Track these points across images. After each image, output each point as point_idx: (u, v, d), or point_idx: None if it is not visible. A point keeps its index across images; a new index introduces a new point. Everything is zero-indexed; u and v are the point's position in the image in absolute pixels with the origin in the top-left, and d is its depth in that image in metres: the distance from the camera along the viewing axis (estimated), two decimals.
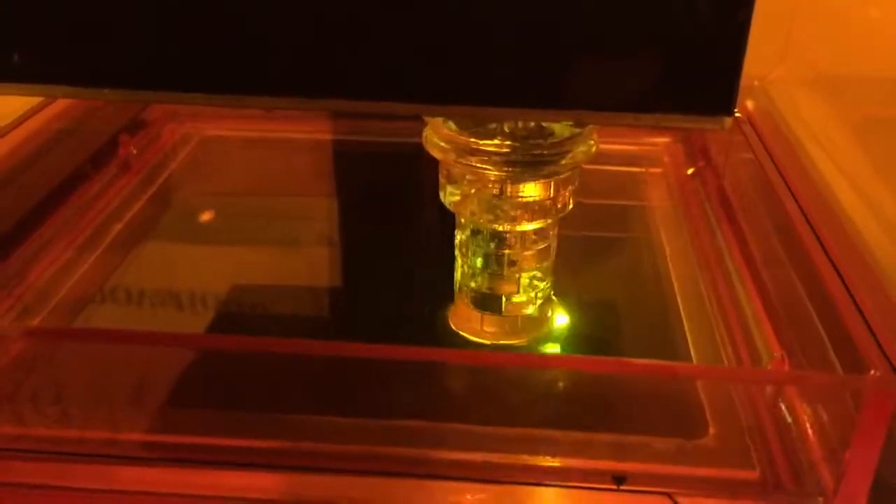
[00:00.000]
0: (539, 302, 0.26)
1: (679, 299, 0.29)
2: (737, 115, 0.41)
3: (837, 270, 0.28)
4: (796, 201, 0.36)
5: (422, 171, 0.33)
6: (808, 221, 0.35)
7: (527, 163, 0.22)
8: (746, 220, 0.35)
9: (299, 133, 0.40)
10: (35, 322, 0.27)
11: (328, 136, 0.40)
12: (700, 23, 0.18)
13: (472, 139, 0.22)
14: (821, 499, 0.20)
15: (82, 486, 0.21)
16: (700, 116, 0.19)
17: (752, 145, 0.39)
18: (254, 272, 0.31)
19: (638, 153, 0.41)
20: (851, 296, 0.23)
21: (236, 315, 0.28)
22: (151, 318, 0.27)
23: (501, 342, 0.25)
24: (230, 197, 0.37)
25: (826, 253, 0.29)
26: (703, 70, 0.18)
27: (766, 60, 0.51)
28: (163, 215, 0.35)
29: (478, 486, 0.21)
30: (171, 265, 0.32)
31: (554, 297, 0.27)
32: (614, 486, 0.20)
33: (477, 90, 0.19)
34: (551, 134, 0.22)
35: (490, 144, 0.22)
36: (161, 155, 0.38)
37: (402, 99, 0.19)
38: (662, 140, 0.42)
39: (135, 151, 0.37)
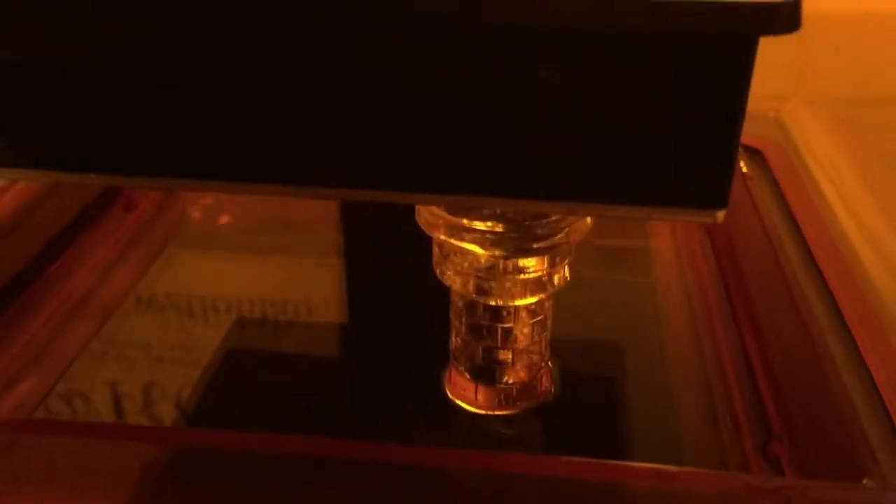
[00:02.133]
0: (534, 373, 0.25)
1: (678, 366, 0.29)
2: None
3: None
4: (806, 244, 0.36)
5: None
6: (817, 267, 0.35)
7: (520, 244, 0.22)
8: (749, 265, 0.34)
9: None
10: None
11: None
12: (692, 118, 0.18)
13: (464, 220, 0.22)
14: None
15: None
16: (693, 209, 0.19)
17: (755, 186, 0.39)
18: (251, 324, 0.31)
19: None
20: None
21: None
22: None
23: (496, 412, 0.25)
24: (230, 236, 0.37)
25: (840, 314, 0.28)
26: (695, 165, 0.18)
27: (780, 90, 0.50)
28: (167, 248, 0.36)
29: None
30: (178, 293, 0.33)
31: (550, 365, 0.26)
32: None
33: (465, 180, 0.19)
34: (545, 215, 0.22)
35: (481, 225, 0.21)
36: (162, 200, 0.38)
37: (388, 188, 0.19)
38: None
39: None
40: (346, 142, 0.19)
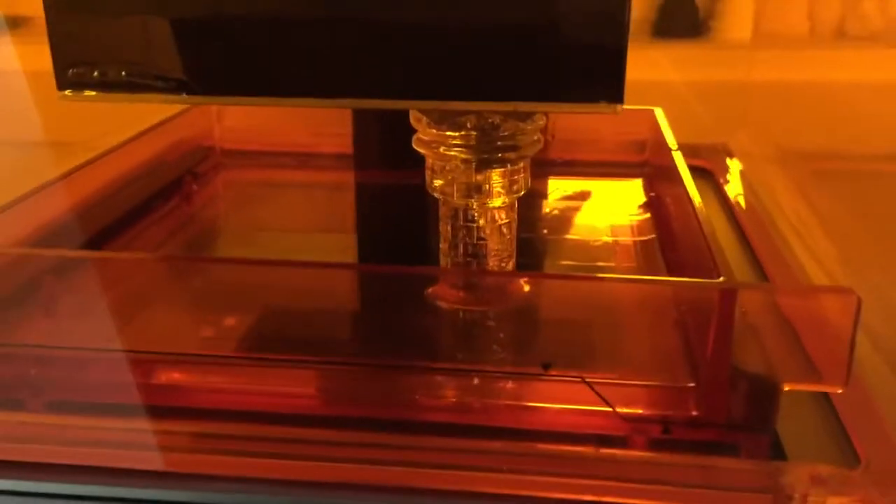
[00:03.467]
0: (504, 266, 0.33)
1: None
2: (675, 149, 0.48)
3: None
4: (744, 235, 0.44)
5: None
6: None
7: (488, 152, 0.30)
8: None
9: (327, 178, 0.50)
10: None
11: (350, 181, 0.49)
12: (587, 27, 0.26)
13: (448, 132, 0.30)
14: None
15: None
16: (597, 104, 0.27)
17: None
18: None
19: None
20: None
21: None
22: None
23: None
24: (263, 231, 0.46)
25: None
26: (597, 67, 0.27)
27: (728, 127, 0.60)
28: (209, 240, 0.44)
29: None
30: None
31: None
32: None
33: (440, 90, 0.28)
34: (505, 132, 0.30)
35: (457, 136, 0.30)
36: (215, 192, 0.47)
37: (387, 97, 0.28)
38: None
39: (196, 188, 0.46)
40: (358, 63, 0.28)
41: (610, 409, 0.26)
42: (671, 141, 0.43)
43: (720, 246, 0.29)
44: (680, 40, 0.72)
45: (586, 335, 0.29)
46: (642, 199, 0.47)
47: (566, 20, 0.26)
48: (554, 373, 0.27)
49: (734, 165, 0.55)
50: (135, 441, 0.26)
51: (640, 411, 0.26)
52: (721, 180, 0.53)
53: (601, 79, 0.27)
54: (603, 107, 0.27)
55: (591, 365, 0.27)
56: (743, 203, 0.49)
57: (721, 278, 0.27)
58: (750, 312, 0.26)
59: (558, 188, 0.49)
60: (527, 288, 0.31)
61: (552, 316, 0.31)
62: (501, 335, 0.30)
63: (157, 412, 0.27)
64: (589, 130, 0.52)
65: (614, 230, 0.43)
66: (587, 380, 0.26)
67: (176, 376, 0.29)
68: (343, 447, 0.25)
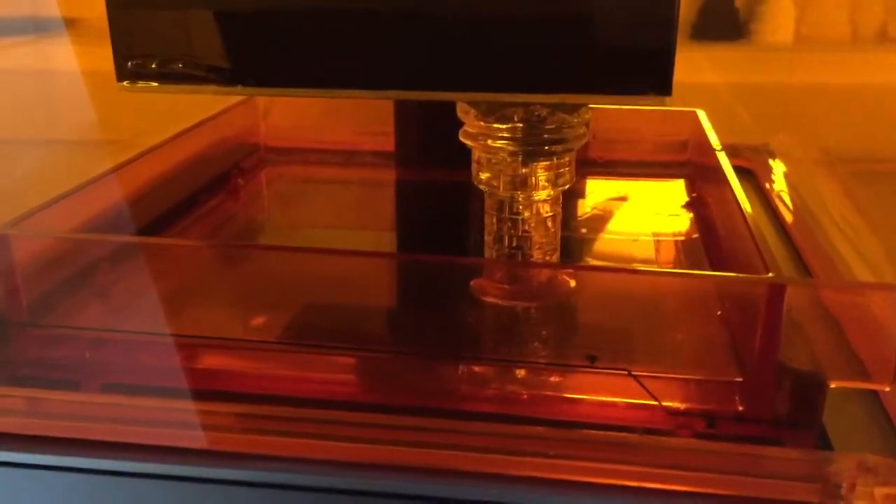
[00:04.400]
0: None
1: None
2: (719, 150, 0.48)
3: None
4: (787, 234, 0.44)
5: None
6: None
7: (534, 144, 0.31)
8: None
9: (368, 175, 0.50)
10: None
11: (392, 178, 0.50)
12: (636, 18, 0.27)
13: (495, 124, 0.31)
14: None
15: None
16: (645, 95, 0.27)
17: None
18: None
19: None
20: None
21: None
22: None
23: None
24: (305, 228, 0.46)
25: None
26: (645, 58, 0.27)
27: (769, 128, 0.59)
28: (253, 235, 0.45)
29: None
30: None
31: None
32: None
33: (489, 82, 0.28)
34: (551, 125, 0.31)
35: (504, 129, 0.30)
36: (259, 188, 0.48)
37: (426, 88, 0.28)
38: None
39: (242, 182, 0.47)
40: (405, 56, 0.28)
41: (655, 403, 0.26)
42: (715, 141, 0.43)
43: (767, 243, 0.29)
44: (720, 42, 0.72)
45: (632, 328, 0.30)
46: (685, 199, 0.47)
47: (614, 11, 0.26)
48: (599, 365, 0.27)
49: (776, 166, 0.55)
50: (183, 420, 0.27)
51: (685, 405, 0.26)
52: (763, 180, 0.53)
53: (649, 70, 0.27)
54: (650, 98, 0.27)
55: (637, 358, 0.28)
56: (787, 203, 0.49)
57: (770, 274, 0.27)
58: (796, 308, 0.26)
59: (599, 188, 0.49)
60: (571, 282, 0.31)
61: (597, 309, 0.31)
62: (546, 329, 0.31)
63: (204, 395, 0.28)
64: (630, 131, 0.52)
65: (656, 229, 0.43)
66: (633, 373, 0.26)
67: (222, 361, 0.29)
68: (384, 429, 0.26)
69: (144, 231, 0.41)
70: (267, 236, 0.45)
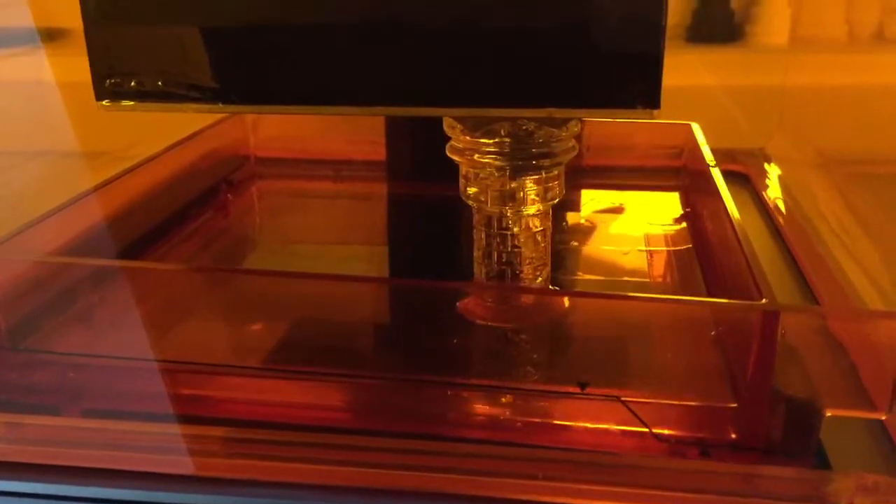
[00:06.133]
0: (539, 281, 0.33)
1: None
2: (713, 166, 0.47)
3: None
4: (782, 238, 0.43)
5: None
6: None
7: (522, 159, 0.30)
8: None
9: (360, 188, 0.50)
10: None
11: (383, 191, 0.49)
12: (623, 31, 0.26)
13: (482, 139, 0.30)
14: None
15: None
16: (633, 109, 0.27)
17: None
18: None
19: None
20: None
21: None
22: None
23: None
24: (296, 242, 0.46)
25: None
26: (633, 72, 0.26)
27: (765, 131, 0.59)
28: (244, 251, 0.44)
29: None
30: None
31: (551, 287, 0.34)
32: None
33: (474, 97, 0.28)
34: (539, 139, 0.30)
35: (491, 144, 0.30)
36: (249, 201, 0.48)
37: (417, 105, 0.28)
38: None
39: (230, 197, 0.46)
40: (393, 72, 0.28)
41: (646, 430, 0.25)
42: (708, 156, 0.42)
43: (760, 265, 0.29)
44: (715, 45, 0.72)
45: (621, 352, 0.29)
46: (678, 212, 0.46)
47: (601, 24, 0.26)
48: (589, 391, 0.26)
49: (772, 170, 0.55)
50: (167, 445, 0.26)
51: (677, 432, 0.25)
52: (759, 185, 0.52)
53: (637, 84, 0.26)
54: (639, 112, 0.27)
55: (627, 383, 0.27)
56: (782, 208, 0.49)
57: (763, 300, 0.26)
58: (792, 331, 0.25)
59: (591, 199, 0.49)
60: (562, 303, 0.31)
61: (586, 332, 0.31)
62: (534, 352, 0.30)
63: (188, 420, 0.27)
64: (624, 138, 0.51)
65: (649, 243, 0.43)
66: (623, 399, 0.26)
67: (208, 386, 0.29)
68: (372, 453, 0.25)
69: (132, 248, 0.40)
70: (258, 252, 0.44)
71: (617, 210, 0.47)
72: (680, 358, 0.29)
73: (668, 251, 0.42)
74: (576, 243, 0.42)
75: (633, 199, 0.49)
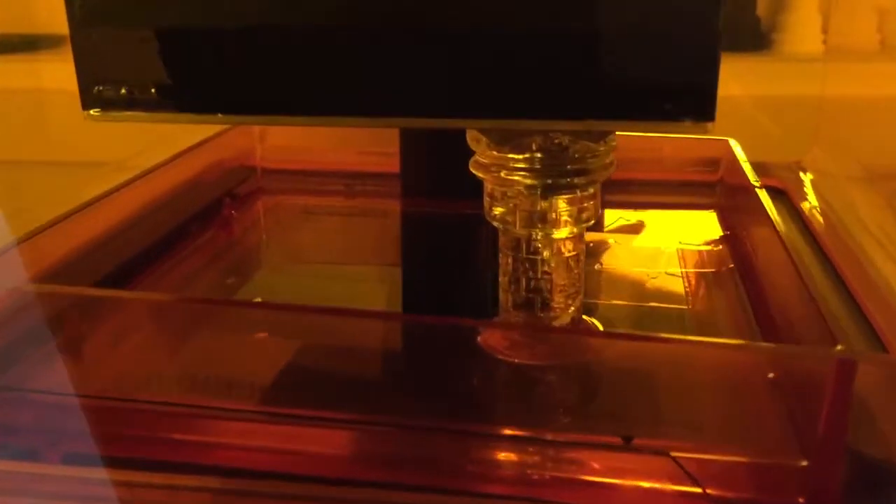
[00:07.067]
0: (572, 311, 0.30)
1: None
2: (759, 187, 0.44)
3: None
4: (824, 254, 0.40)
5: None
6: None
7: (554, 176, 0.27)
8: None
9: (371, 206, 0.47)
10: None
11: (397, 208, 0.46)
12: (677, 49, 0.23)
13: (510, 154, 0.27)
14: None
15: None
16: (688, 122, 0.24)
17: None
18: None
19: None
20: None
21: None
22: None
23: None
24: (307, 263, 0.43)
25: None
26: (684, 79, 0.23)
27: (799, 143, 0.56)
28: (247, 272, 0.41)
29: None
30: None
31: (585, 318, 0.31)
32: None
33: (503, 107, 0.24)
34: (575, 155, 0.27)
35: (521, 159, 0.27)
36: (253, 219, 0.45)
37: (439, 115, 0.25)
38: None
39: (234, 213, 0.43)
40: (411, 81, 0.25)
41: (699, 490, 0.22)
42: (751, 175, 0.39)
43: (827, 304, 0.25)
44: (742, 53, 0.69)
45: (667, 397, 0.26)
46: (714, 232, 0.43)
47: (648, 24, 0.23)
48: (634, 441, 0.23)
49: (811, 184, 0.51)
50: (152, 500, 0.23)
51: (734, 494, 0.22)
52: (797, 200, 0.49)
53: (690, 93, 0.23)
54: (689, 126, 0.24)
55: (674, 433, 0.24)
56: (825, 225, 0.45)
57: (839, 346, 0.23)
58: (868, 384, 0.22)
59: (620, 217, 0.46)
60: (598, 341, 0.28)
61: (626, 373, 0.28)
62: (566, 395, 0.27)
63: (179, 468, 0.24)
64: (654, 151, 0.48)
65: (685, 265, 0.39)
66: (672, 454, 0.22)
67: (201, 430, 0.26)
68: None
69: (129, 266, 0.38)
70: (263, 272, 0.41)
71: (637, 228, 0.44)
72: (734, 405, 0.25)
73: (707, 274, 0.39)
74: (600, 264, 0.39)
75: (662, 218, 0.46)
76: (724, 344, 0.27)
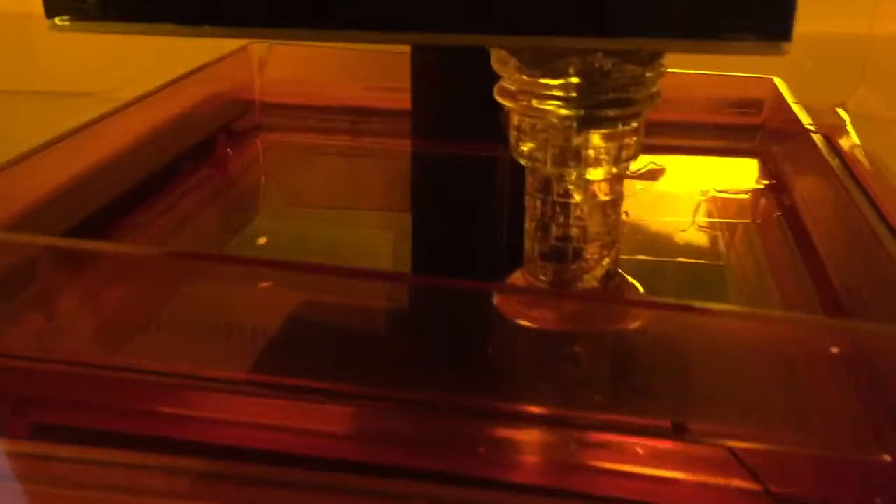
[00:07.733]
0: (606, 263, 0.26)
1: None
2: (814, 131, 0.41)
3: None
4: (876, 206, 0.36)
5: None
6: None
7: (593, 106, 0.23)
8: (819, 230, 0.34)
9: (379, 146, 0.43)
10: None
11: (407, 146, 0.43)
12: None
13: (543, 79, 0.23)
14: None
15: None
16: (757, 42, 0.20)
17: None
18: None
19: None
20: None
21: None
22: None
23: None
24: (308, 207, 0.39)
25: None
26: None
27: (843, 84, 0.52)
28: (244, 217, 0.38)
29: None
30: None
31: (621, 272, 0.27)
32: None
33: (537, 21, 0.20)
34: (618, 81, 0.23)
35: (555, 85, 0.23)
36: (250, 158, 0.41)
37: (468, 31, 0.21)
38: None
39: (230, 151, 0.40)
40: None
41: (760, 487, 0.18)
42: (805, 117, 0.35)
43: None
44: None
45: (720, 376, 0.22)
46: (761, 181, 0.39)
47: None
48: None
49: (855, 129, 0.48)
50: (135, 483, 0.20)
51: (800, 492, 0.18)
52: (840, 145, 0.45)
53: (765, 5, 0.19)
54: (762, 45, 0.20)
55: (731, 419, 0.20)
56: (871, 169, 0.42)
57: None
58: None
59: (651, 162, 0.42)
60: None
61: (672, 345, 0.24)
62: (601, 369, 0.23)
63: (161, 446, 0.21)
64: (686, 90, 0.44)
65: (724, 215, 0.36)
66: (731, 446, 0.19)
67: (187, 402, 0.22)
68: (381, 498, 0.19)
69: (113, 208, 0.34)
70: (261, 217, 0.38)
71: (663, 174, 0.40)
72: (800, 388, 0.22)
73: (748, 225, 0.35)
74: (626, 213, 0.35)
75: (697, 164, 0.42)
76: (795, 318, 0.24)
